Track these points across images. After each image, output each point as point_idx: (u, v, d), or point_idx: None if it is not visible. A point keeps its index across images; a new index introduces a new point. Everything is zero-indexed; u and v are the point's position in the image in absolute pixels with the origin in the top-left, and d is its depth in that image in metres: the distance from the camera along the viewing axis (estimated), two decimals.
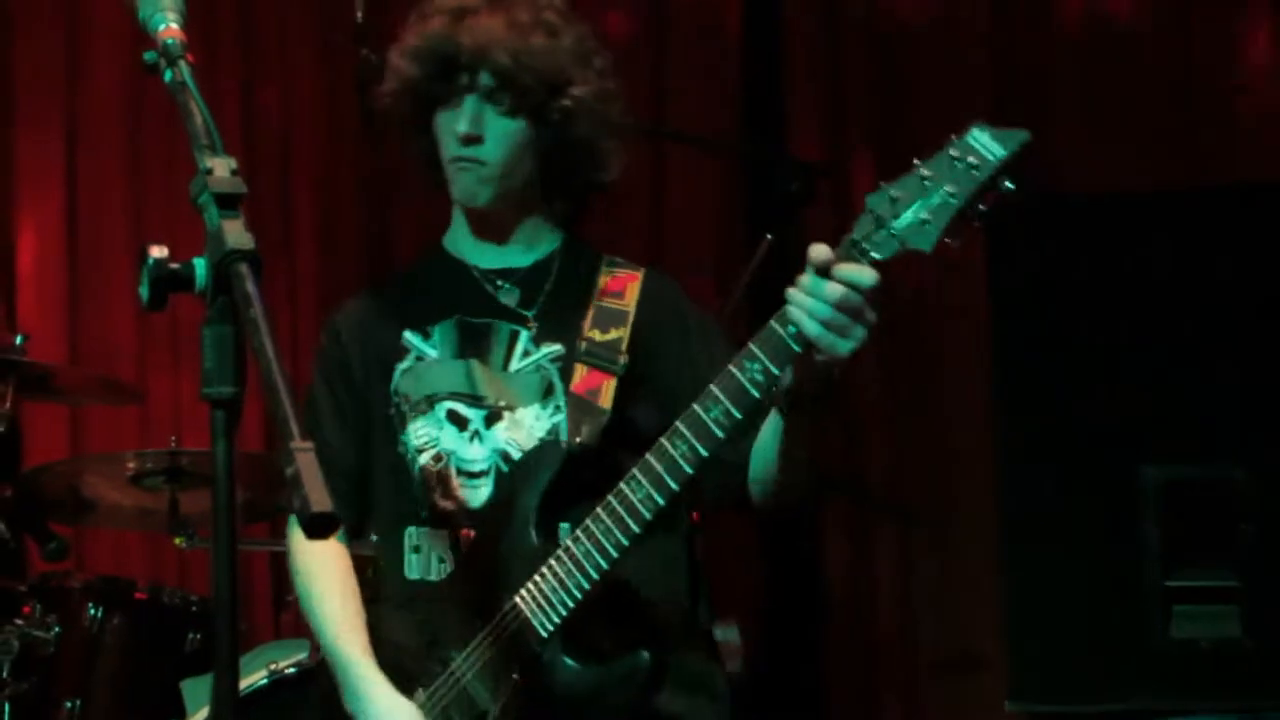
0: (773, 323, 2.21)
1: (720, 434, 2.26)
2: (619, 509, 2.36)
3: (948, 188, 2.14)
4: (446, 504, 2.60)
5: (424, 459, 2.60)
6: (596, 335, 2.60)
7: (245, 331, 1.80)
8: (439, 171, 2.64)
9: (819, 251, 2.16)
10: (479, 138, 2.56)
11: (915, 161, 2.16)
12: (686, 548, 2.69)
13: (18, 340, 4.14)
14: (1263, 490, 3.53)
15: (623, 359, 2.57)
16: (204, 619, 4.16)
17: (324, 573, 2.67)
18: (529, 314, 2.63)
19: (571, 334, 2.62)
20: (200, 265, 1.83)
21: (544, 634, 2.45)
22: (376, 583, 2.73)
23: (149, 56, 1.99)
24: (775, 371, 2.22)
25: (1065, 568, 3.74)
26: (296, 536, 2.67)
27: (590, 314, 2.62)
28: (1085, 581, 3.73)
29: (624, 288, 2.65)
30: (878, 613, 4.84)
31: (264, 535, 4.54)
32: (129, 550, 4.65)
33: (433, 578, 2.63)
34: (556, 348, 2.61)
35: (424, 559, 2.63)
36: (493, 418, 2.60)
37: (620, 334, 2.60)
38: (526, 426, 2.58)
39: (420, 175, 2.71)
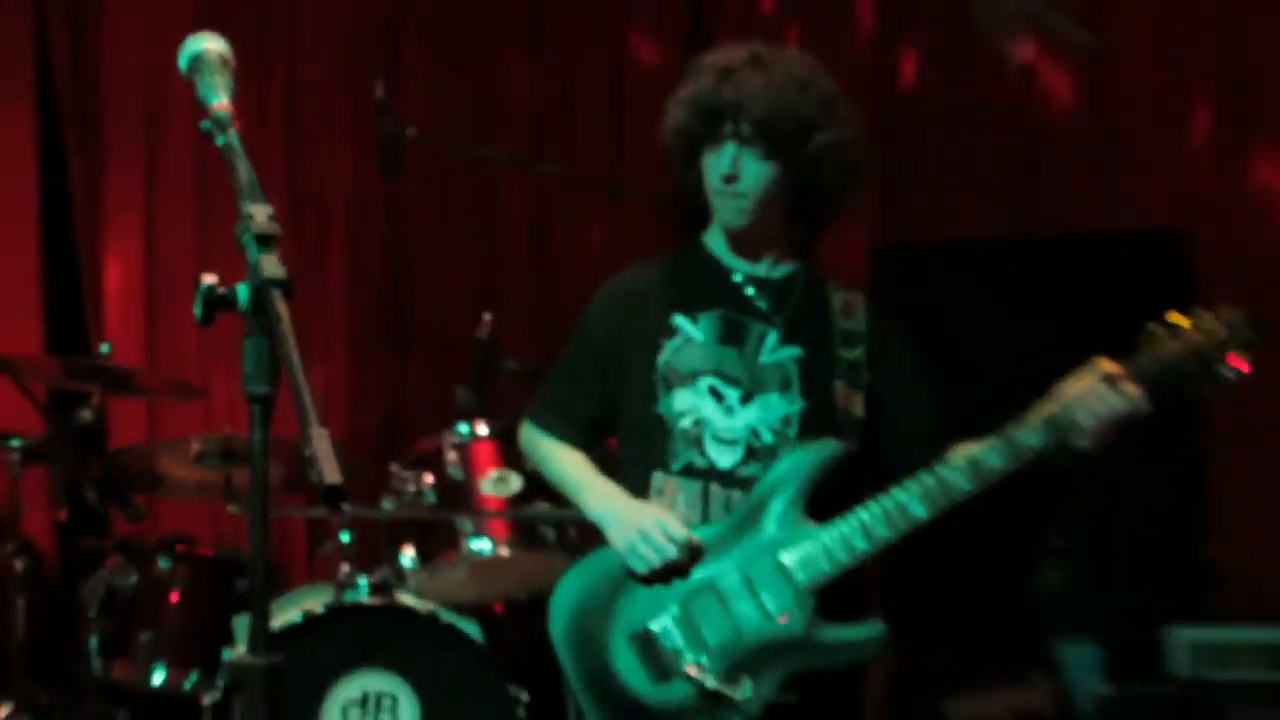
0: (1057, 410, 2.34)
1: (989, 478, 2.36)
2: (921, 499, 2.38)
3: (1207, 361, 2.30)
4: (699, 462, 2.54)
5: (685, 422, 2.54)
6: (844, 354, 2.56)
7: (276, 343, 1.89)
8: (704, 195, 2.60)
9: (1107, 366, 2.32)
10: (736, 177, 2.52)
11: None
12: None
13: (104, 349, 4.19)
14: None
15: (866, 375, 2.55)
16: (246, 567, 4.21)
17: (551, 448, 2.71)
18: (779, 318, 2.58)
19: (817, 343, 2.57)
20: (242, 290, 1.86)
21: (803, 581, 2.42)
22: None
23: (205, 125, 2.03)
24: (1054, 450, 2.35)
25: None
26: (528, 433, 2.78)
27: (835, 333, 2.57)
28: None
29: (855, 308, 2.61)
30: None
31: (300, 502, 4.53)
32: (192, 515, 4.66)
33: (688, 517, 2.53)
34: (797, 350, 2.56)
35: (667, 501, 2.56)
36: (746, 398, 2.54)
37: (860, 353, 2.56)
38: (771, 410, 2.53)
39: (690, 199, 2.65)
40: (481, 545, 3.94)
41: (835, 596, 2.43)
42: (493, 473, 3.98)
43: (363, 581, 3.79)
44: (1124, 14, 4.61)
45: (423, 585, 3.94)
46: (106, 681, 3.97)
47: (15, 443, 3.88)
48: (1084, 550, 4.02)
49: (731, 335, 2.57)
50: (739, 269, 2.63)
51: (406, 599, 3.76)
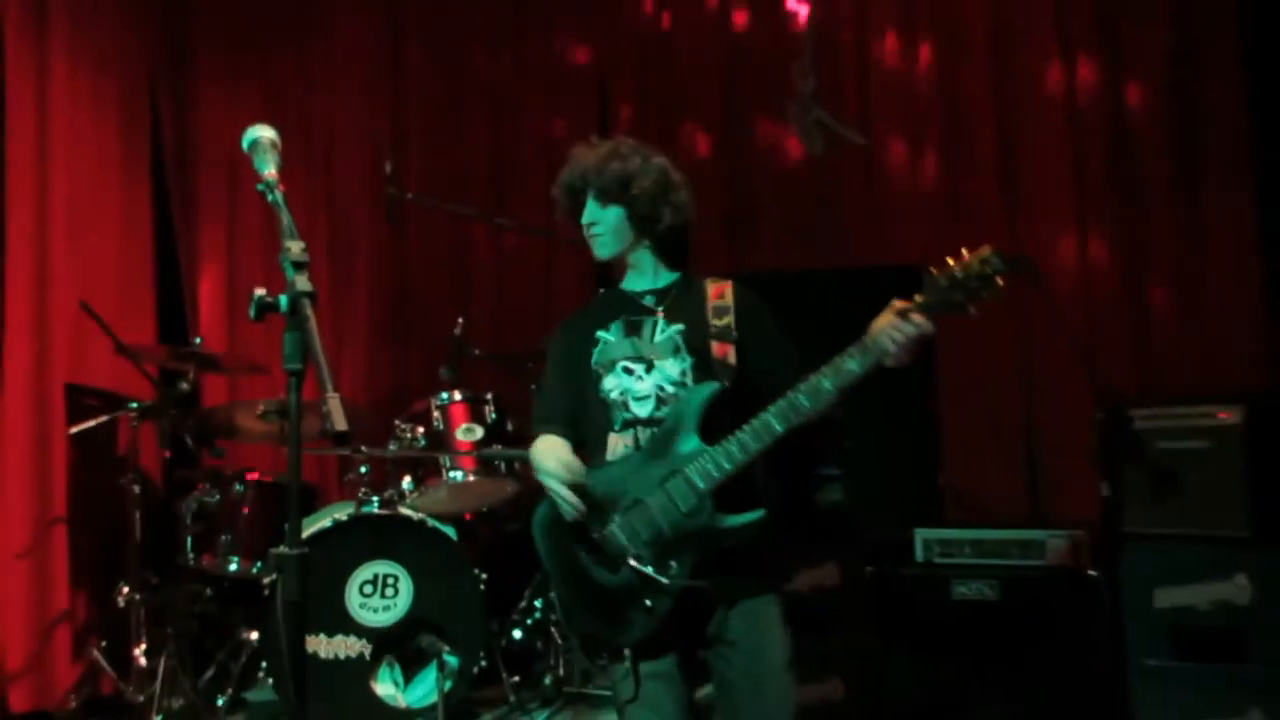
0: (868, 338, 2.23)
1: (843, 383, 2.25)
2: (780, 415, 2.28)
3: (970, 289, 2.16)
4: (629, 416, 2.45)
5: (614, 394, 2.47)
6: (716, 322, 2.47)
7: (306, 335, 1.91)
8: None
9: (899, 303, 2.21)
10: (595, 223, 2.53)
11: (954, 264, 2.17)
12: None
13: (197, 341, 4.15)
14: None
15: (735, 333, 2.46)
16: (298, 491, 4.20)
17: (551, 443, 2.49)
18: (660, 309, 2.52)
19: (693, 320, 2.48)
20: (283, 299, 1.90)
21: (701, 486, 2.32)
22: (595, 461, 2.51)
23: (260, 187, 2.05)
24: (869, 365, 2.23)
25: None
26: (538, 440, 2.52)
27: (708, 309, 2.49)
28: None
29: (723, 291, 2.52)
30: None
31: (330, 445, 4.47)
32: (259, 455, 4.59)
33: (626, 454, 2.44)
34: (680, 326, 2.49)
35: (618, 449, 2.45)
36: (649, 368, 2.47)
37: (729, 320, 2.47)
38: (667, 370, 2.46)
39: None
40: (456, 474, 3.95)
41: (729, 494, 2.34)
42: (464, 425, 4.00)
43: (375, 499, 3.79)
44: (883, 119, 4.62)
45: (416, 502, 3.95)
46: (197, 569, 3.94)
47: (134, 405, 3.84)
48: (853, 476, 3.97)
49: (632, 330, 2.53)
50: (635, 286, 2.59)
51: (405, 511, 3.75)
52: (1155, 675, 3.33)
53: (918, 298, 2.22)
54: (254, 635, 3.79)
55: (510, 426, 4.08)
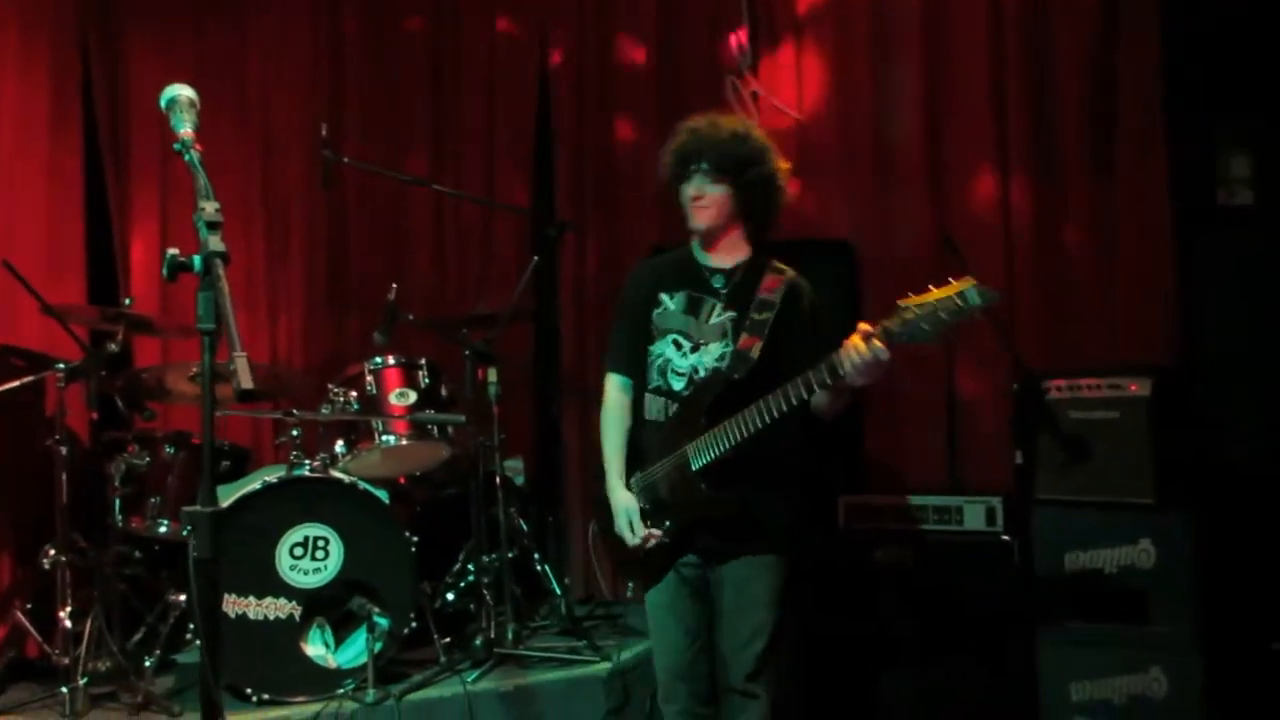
0: (832, 355, 2.33)
1: (808, 392, 2.39)
2: (758, 410, 2.45)
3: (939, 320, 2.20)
4: (664, 385, 2.66)
5: (659, 360, 2.66)
6: (755, 315, 2.60)
7: (218, 295, 1.86)
8: (685, 211, 2.67)
9: (865, 327, 2.30)
10: (701, 196, 2.63)
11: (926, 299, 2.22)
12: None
13: (128, 302, 4.04)
14: None
15: (768, 331, 2.59)
16: (229, 454, 4.13)
17: (612, 417, 2.73)
18: (722, 293, 2.66)
19: (742, 310, 2.62)
20: (196, 259, 1.85)
21: (695, 465, 2.56)
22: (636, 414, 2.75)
23: (176, 146, 2.01)
24: (828, 380, 2.35)
25: None
26: (609, 383, 2.76)
27: (754, 301, 2.62)
28: None
29: (775, 286, 2.64)
30: (592, 454, 4.68)
31: (267, 408, 4.40)
32: (189, 416, 4.53)
33: (656, 418, 2.69)
34: (732, 314, 2.63)
35: (651, 408, 2.69)
36: (695, 348, 2.64)
37: (768, 316, 2.59)
38: (709, 354, 2.63)
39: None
40: (389, 438, 3.92)
41: (719, 475, 2.55)
42: (396, 390, 3.96)
43: (307, 462, 3.75)
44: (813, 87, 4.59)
45: (349, 465, 3.91)
46: (126, 531, 3.87)
47: (61, 366, 3.75)
48: None
49: (692, 307, 2.66)
50: (704, 261, 2.69)
51: (336, 474, 3.71)
52: (1063, 635, 3.41)
53: (884, 323, 2.29)
54: (183, 598, 3.73)
55: (444, 392, 4.05)
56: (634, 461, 2.70)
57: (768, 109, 4.57)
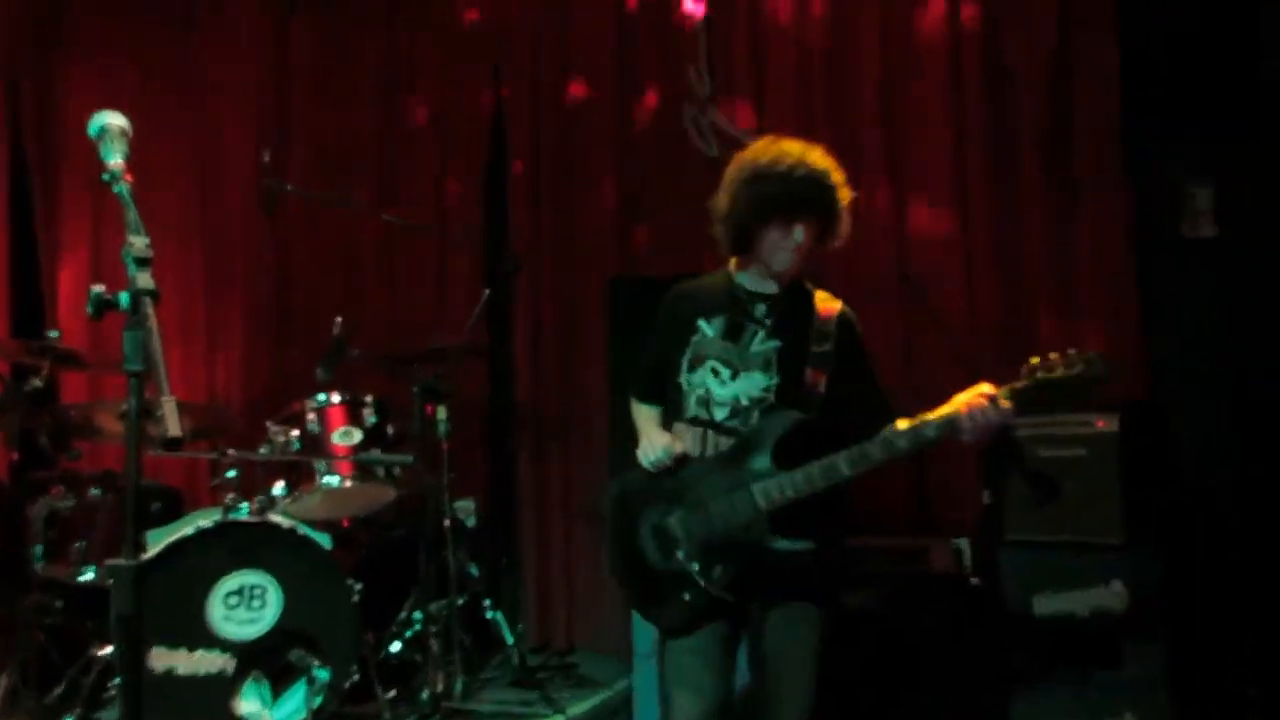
0: (953, 414, 2.28)
1: (915, 445, 2.32)
2: (853, 459, 2.35)
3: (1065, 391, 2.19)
4: (705, 415, 2.52)
5: (699, 391, 2.53)
6: (816, 347, 2.50)
7: (146, 334, 1.76)
8: (756, 241, 2.53)
9: (988, 388, 2.26)
10: (802, 246, 2.52)
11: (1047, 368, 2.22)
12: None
13: (53, 335, 3.89)
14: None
15: (831, 364, 2.49)
16: (160, 495, 3.99)
17: (646, 410, 2.66)
18: (766, 322, 2.54)
19: (794, 338, 2.51)
20: (124, 296, 1.75)
21: (762, 506, 2.40)
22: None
23: (105, 177, 1.91)
24: (934, 437, 2.30)
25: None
26: (633, 402, 2.70)
27: (811, 330, 2.51)
28: None
29: (830, 315, 2.55)
30: (548, 493, 4.71)
31: (205, 448, 4.23)
32: (118, 456, 4.37)
33: (694, 451, 2.53)
34: (777, 343, 2.52)
35: (688, 441, 2.54)
36: (734, 375, 2.52)
37: (828, 348, 2.50)
38: (752, 383, 2.50)
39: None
40: (332, 479, 3.83)
41: (786, 519, 2.42)
42: (341, 428, 3.90)
43: (244, 505, 3.63)
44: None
45: (289, 508, 3.81)
46: (47, 578, 3.70)
47: None
48: None
49: (731, 333, 2.55)
50: (752, 284, 2.59)
51: (275, 518, 3.59)
52: (1034, 681, 3.36)
53: (1015, 385, 2.27)
54: (107, 651, 3.55)
55: (391, 430, 3.97)
56: (660, 497, 2.52)
57: (728, 140, 4.55)
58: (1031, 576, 3.39)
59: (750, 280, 2.61)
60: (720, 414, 2.52)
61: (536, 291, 4.79)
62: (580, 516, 4.62)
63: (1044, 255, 4.08)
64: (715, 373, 2.53)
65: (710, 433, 2.52)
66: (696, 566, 2.44)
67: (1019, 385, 2.25)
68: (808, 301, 2.58)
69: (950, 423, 2.30)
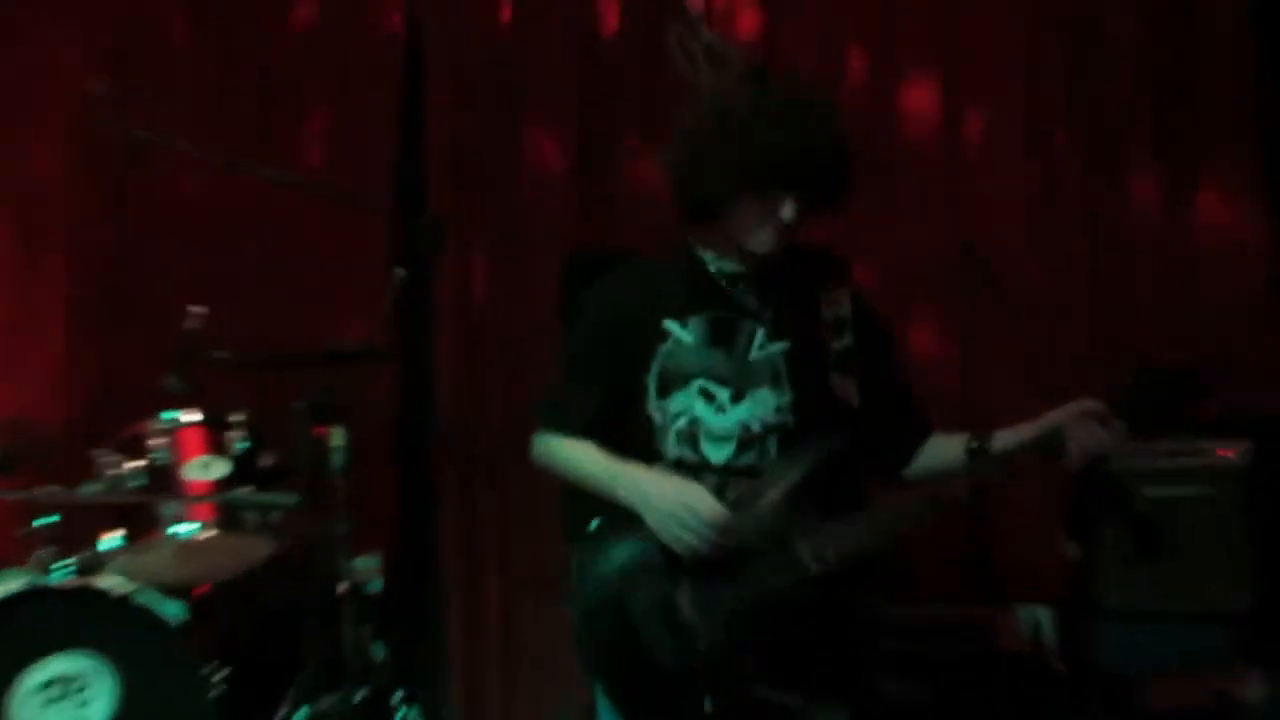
0: (1050, 435, 2.33)
1: (1006, 478, 2.43)
2: (927, 503, 2.39)
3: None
4: (691, 457, 2.50)
5: (680, 422, 2.49)
6: (834, 342, 2.50)
7: None
8: (726, 212, 2.48)
9: (1093, 405, 2.32)
10: (792, 225, 2.48)
11: None
12: None
13: None
14: None
15: (855, 364, 2.50)
16: None
17: (583, 445, 2.56)
18: (767, 314, 2.52)
19: (803, 335, 2.51)
20: None
21: (812, 569, 2.37)
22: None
23: None
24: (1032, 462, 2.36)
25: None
26: (539, 446, 2.66)
27: (822, 321, 2.51)
28: None
29: (840, 297, 2.55)
30: (478, 545, 4.71)
31: (7, 486, 4.03)
32: None
33: None
34: (784, 344, 2.50)
35: None
36: (736, 396, 2.49)
37: (848, 342, 2.50)
38: (762, 403, 2.49)
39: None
40: (186, 528, 3.79)
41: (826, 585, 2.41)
42: (198, 458, 3.86)
43: (64, 564, 3.63)
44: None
45: (128, 567, 3.77)
46: None
47: None
48: None
49: (720, 336, 2.51)
50: (721, 263, 2.54)
51: (103, 581, 3.56)
52: None
53: (1123, 398, 2.32)
54: None
55: (267, 461, 3.96)
56: (655, 568, 2.46)
57: (722, 58, 4.53)
58: (1135, 657, 3.46)
59: (716, 256, 2.56)
60: (721, 453, 2.48)
61: (466, 273, 4.76)
62: (528, 581, 4.62)
63: (1153, 226, 4.15)
64: (708, 395, 2.49)
65: (708, 477, 2.48)
66: (721, 660, 2.39)
67: (1126, 399, 2.30)
68: (806, 274, 2.55)
69: (1046, 444, 2.33)
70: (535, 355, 4.64)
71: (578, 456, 2.59)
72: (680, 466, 2.49)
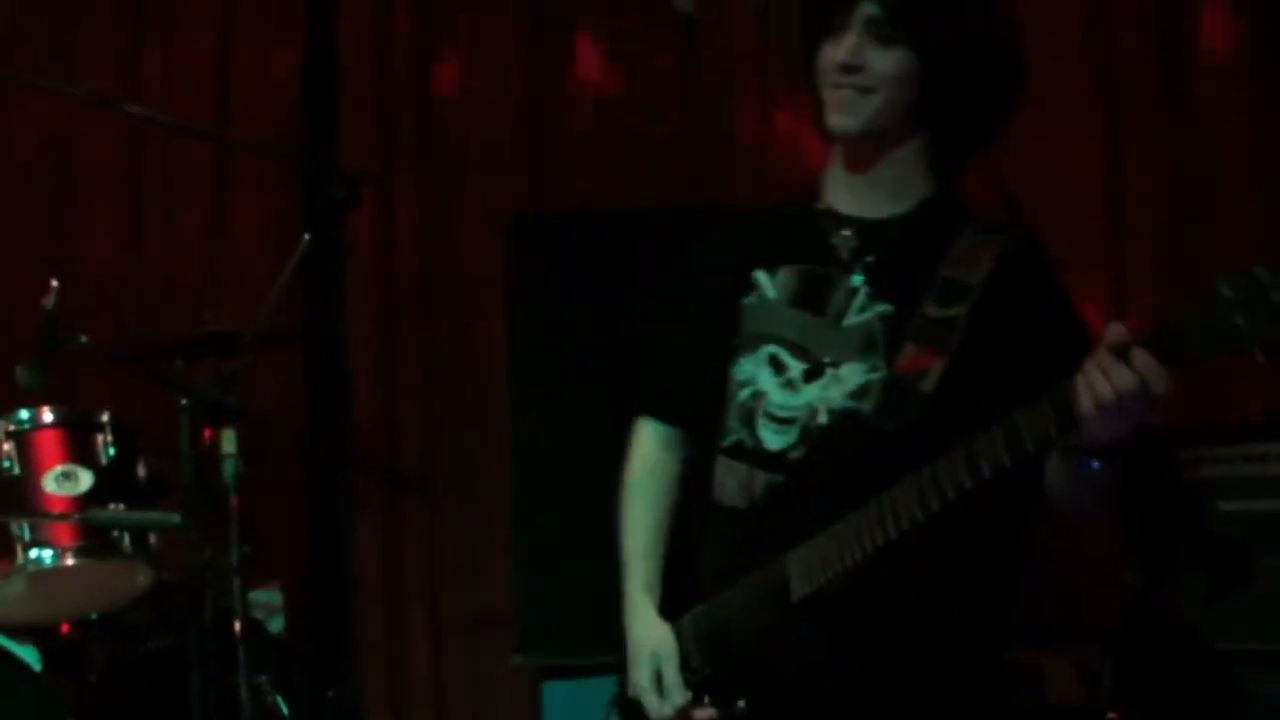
0: (1066, 384, 2.01)
1: (1013, 457, 2.06)
2: (916, 492, 2.17)
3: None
4: (747, 440, 2.42)
5: (743, 394, 2.42)
6: (933, 311, 2.33)
7: None
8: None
9: (1120, 330, 1.96)
10: (861, 67, 2.31)
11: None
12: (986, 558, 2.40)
13: None
14: None
15: (957, 338, 2.30)
16: None
17: (642, 486, 2.57)
18: (869, 265, 2.39)
19: (906, 299, 2.35)
20: None
21: (799, 592, 2.30)
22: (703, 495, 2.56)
23: None
24: (1054, 433, 2.03)
25: (570, 535, 3.80)
26: (635, 450, 2.60)
27: (933, 284, 2.34)
28: (587, 547, 3.80)
29: (977, 257, 2.35)
30: (405, 577, 4.75)
31: None
32: None
33: (734, 502, 2.45)
34: (887, 307, 2.36)
35: (727, 484, 2.46)
36: (814, 372, 2.38)
37: (960, 311, 2.32)
38: (847, 380, 2.36)
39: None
40: (42, 554, 3.81)
41: (839, 611, 2.32)
42: (57, 468, 3.86)
43: None
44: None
45: None
46: None
47: None
48: None
49: (809, 294, 2.41)
50: (843, 206, 2.43)
51: None
52: None
53: (1163, 322, 1.97)
54: None
55: (143, 471, 3.97)
56: (690, 582, 2.50)
57: None
58: (1210, 709, 3.47)
59: (848, 193, 2.46)
60: (778, 440, 2.39)
61: (386, 239, 4.80)
62: (463, 620, 4.67)
63: (1226, 180, 4.27)
64: (777, 365, 2.41)
65: (757, 472, 2.41)
66: (705, 694, 2.42)
67: (1170, 325, 1.95)
68: (951, 227, 2.41)
69: (1060, 403, 2.05)
70: (471, 338, 4.67)
71: (630, 513, 2.60)
72: (737, 453, 2.45)
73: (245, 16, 4.94)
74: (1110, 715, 3.57)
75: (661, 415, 2.60)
